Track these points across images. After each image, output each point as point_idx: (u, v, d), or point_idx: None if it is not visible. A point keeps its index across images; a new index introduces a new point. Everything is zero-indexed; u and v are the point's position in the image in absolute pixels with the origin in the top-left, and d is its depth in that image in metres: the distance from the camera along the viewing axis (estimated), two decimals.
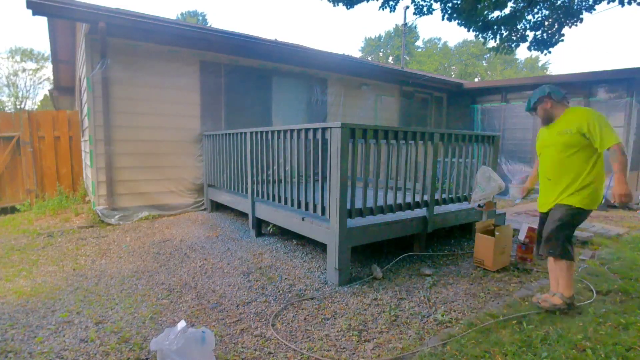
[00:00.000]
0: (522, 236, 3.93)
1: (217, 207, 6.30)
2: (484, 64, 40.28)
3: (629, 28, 65.81)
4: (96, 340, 2.42)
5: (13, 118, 6.65)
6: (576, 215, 2.80)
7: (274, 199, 4.24)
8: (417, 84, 9.69)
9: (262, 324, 2.64)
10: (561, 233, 2.80)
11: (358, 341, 2.42)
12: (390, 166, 3.79)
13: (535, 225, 4.21)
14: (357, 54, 43.50)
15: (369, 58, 38.74)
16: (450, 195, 4.42)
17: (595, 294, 3.13)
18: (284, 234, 4.82)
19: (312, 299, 3.04)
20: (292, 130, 3.78)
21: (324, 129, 3.31)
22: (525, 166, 9.08)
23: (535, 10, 6.55)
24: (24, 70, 30.10)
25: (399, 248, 4.20)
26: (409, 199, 3.94)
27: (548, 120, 2.95)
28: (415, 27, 40.32)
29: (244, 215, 5.79)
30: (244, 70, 6.79)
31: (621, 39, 66.27)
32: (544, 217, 3.02)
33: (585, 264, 3.94)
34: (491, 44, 6.99)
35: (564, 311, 2.79)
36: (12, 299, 3.03)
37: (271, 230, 4.98)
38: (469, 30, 6.62)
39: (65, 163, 7.16)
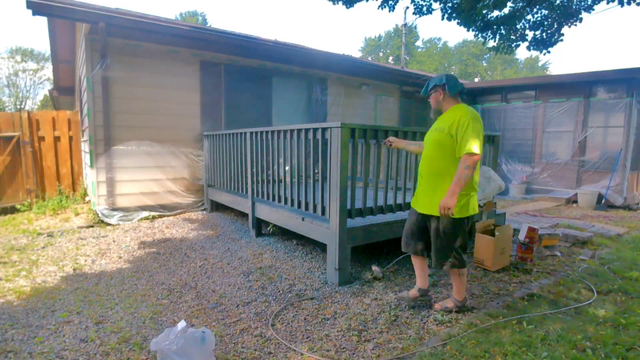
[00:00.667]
0: (522, 236, 3.93)
1: (217, 207, 6.29)
2: (484, 64, 40.28)
3: (629, 28, 65.83)
4: (96, 340, 2.42)
5: (13, 118, 6.65)
6: (455, 226, 2.62)
7: (274, 199, 4.24)
8: (417, 84, 9.68)
9: (262, 324, 2.64)
10: (447, 245, 2.66)
11: (358, 341, 2.42)
12: (390, 166, 3.79)
13: (536, 225, 4.21)
14: (357, 54, 43.50)
15: (369, 58, 38.73)
16: None
17: (595, 294, 3.13)
18: (284, 234, 4.82)
19: (312, 299, 3.04)
20: (292, 130, 3.78)
21: (324, 129, 3.31)
22: (526, 166, 9.09)
23: (535, 10, 6.54)
24: (24, 70, 30.09)
25: (399, 248, 4.18)
26: (409, 199, 3.93)
27: (437, 112, 2.75)
28: (415, 27, 40.36)
29: (244, 215, 5.79)
30: (244, 70, 6.79)
31: (621, 39, 66.31)
32: (417, 215, 2.80)
33: (585, 264, 3.94)
34: (491, 43, 6.98)
35: (457, 312, 2.80)
36: (12, 299, 3.03)
37: (271, 230, 4.98)
38: (468, 30, 6.61)
39: (65, 163, 7.16)
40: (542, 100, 8.87)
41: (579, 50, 67.41)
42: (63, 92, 11.85)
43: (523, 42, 6.86)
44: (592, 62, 64.97)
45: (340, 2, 6.19)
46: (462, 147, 2.47)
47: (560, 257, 4.15)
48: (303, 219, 3.74)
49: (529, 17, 6.70)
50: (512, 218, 5.96)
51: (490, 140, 4.68)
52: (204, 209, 6.34)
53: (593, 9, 6.27)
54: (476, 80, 35.96)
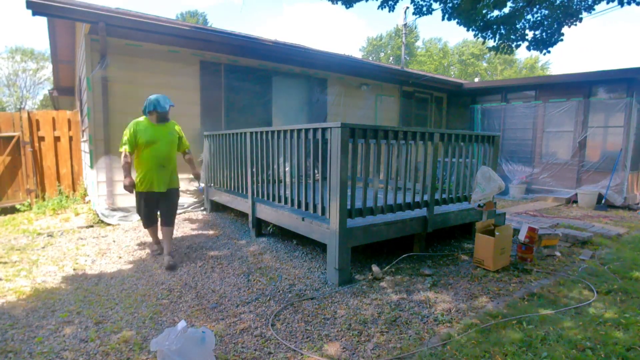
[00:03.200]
0: (522, 236, 3.93)
1: (217, 207, 6.29)
2: (484, 64, 40.26)
3: (629, 28, 65.83)
4: (96, 340, 2.42)
5: (13, 118, 6.65)
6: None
7: (274, 199, 4.24)
8: (417, 84, 9.69)
9: (262, 324, 2.64)
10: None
11: (358, 341, 2.42)
12: (390, 166, 3.79)
13: (536, 225, 4.21)
14: (358, 54, 43.47)
15: (370, 58, 38.72)
16: (450, 195, 4.42)
17: (595, 294, 3.13)
18: (284, 234, 4.82)
19: (312, 299, 3.04)
20: (292, 130, 3.78)
21: (324, 129, 3.31)
22: (525, 166, 9.09)
23: (535, 9, 6.54)
24: (24, 70, 30.09)
25: (399, 248, 4.20)
26: (409, 199, 3.94)
27: (165, 120, 4.00)
28: (416, 27, 40.29)
29: (244, 215, 5.79)
30: (244, 70, 6.79)
31: (621, 39, 66.31)
32: (159, 195, 3.96)
33: (585, 264, 3.94)
34: (491, 43, 6.98)
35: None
36: (12, 299, 3.04)
37: (271, 230, 4.98)
38: (468, 30, 6.60)
39: (65, 163, 7.16)
40: (542, 100, 8.87)
41: (579, 50, 67.44)
42: (63, 92, 11.86)
43: (523, 42, 6.85)
44: (592, 62, 65.00)
45: (340, 2, 6.19)
46: (186, 144, 4.24)
47: (560, 257, 4.15)
48: (303, 219, 3.74)
49: (529, 17, 6.70)
50: (512, 218, 5.96)
51: (490, 140, 4.69)
52: (204, 209, 6.34)
53: (594, 9, 6.27)
54: (476, 80, 35.94)
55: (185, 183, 6.22)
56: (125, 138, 3.81)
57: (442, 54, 40.86)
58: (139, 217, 5.71)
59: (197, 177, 4.37)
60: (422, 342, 2.41)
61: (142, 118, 3.96)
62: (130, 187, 3.83)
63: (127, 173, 3.79)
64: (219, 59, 6.51)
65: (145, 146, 3.81)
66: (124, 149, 3.79)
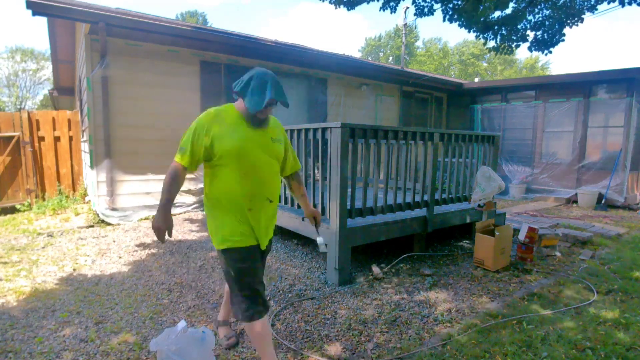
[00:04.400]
0: (522, 236, 3.93)
1: None
2: (484, 64, 40.25)
3: (629, 28, 65.84)
4: (96, 340, 2.42)
5: (13, 118, 6.65)
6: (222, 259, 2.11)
7: None
8: (417, 84, 9.68)
9: None
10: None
11: (358, 341, 2.42)
12: (390, 166, 3.79)
13: (536, 225, 4.21)
14: (357, 54, 43.47)
15: (369, 58, 38.72)
16: (450, 195, 4.42)
17: (595, 294, 3.13)
18: (284, 234, 4.82)
19: (312, 299, 3.04)
20: (292, 130, 3.78)
21: (324, 129, 3.31)
22: (525, 166, 9.09)
23: (537, 10, 6.52)
24: (24, 70, 30.09)
25: (399, 248, 4.20)
26: (409, 199, 3.94)
27: (266, 122, 2.09)
28: (416, 27, 40.30)
29: None
30: (244, 70, 6.76)
31: (621, 39, 66.33)
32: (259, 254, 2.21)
33: (585, 264, 3.94)
34: (491, 44, 6.96)
35: None
36: (12, 299, 3.03)
37: None
38: (469, 31, 6.59)
39: (65, 163, 7.16)
40: (542, 100, 8.87)
41: (579, 50, 67.48)
42: (63, 92, 11.85)
43: (524, 42, 6.83)
44: (592, 62, 65.04)
45: (342, 5, 6.18)
46: (297, 163, 2.27)
47: (560, 257, 4.15)
48: (303, 219, 3.74)
49: (530, 17, 6.68)
50: (512, 218, 5.96)
51: (490, 140, 4.69)
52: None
53: (596, 9, 6.25)
54: (476, 80, 35.95)
55: (186, 183, 6.22)
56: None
57: (442, 54, 40.84)
58: (139, 217, 5.75)
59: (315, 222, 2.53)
60: (422, 342, 2.41)
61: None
62: None
63: None
64: (219, 59, 6.50)
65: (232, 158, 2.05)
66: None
